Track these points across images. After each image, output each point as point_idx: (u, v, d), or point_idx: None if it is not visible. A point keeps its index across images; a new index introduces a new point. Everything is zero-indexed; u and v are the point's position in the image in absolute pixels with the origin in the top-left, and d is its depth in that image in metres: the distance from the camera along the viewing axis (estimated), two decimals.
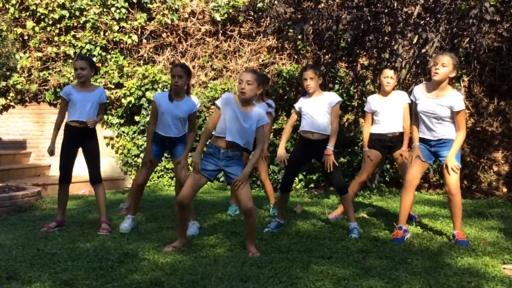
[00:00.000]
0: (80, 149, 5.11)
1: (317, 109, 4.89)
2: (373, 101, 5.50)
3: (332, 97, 4.95)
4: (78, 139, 5.05)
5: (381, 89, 5.52)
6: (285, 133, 5.20)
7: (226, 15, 8.82)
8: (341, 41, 8.22)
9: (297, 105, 5.08)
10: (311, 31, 7.78)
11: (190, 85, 4.98)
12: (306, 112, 4.94)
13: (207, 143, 4.26)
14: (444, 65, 4.42)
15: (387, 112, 5.41)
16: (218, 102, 4.18)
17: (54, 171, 7.62)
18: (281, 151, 5.08)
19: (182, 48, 9.06)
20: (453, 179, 4.51)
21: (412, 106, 4.78)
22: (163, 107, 4.84)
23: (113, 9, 8.78)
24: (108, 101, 8.71)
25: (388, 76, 5.40)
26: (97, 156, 5.16)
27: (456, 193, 4.53)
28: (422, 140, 4.65)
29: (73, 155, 5.13)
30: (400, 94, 5.52)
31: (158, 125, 4.89)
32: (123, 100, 8.48)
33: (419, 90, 4.64)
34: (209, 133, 4.24)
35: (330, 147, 4.84)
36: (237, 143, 4.09)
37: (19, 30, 8.96)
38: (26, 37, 9.05)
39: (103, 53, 8.85)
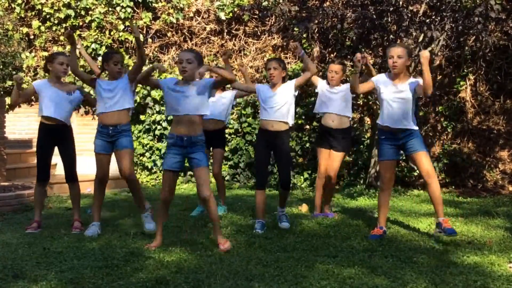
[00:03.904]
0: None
1: (278, 100, 4.92)
2: (322, 86, 5.65)
3: (291, 83, 5.00)
4: (54, 136, 5.04)
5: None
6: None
7: (231, 14, 8.82)
8: (346, 40, 8.20)
9: (259, 86, 5.11)
10: (316, 30, 7.77)
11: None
12: (266, 101, 4.96)
13: (168, 134, 4.36)
14: (400, 57, 4.54)
15: (332, 104, 5.57)
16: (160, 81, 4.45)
17: (60, 170, 7.62)
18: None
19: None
20: (426, 164, 4.54)
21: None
22: (100, 90, 4.83)
23: (118, 8, 8.80)
24: None
25: (333, 71, 5.58)
26: (73, 154, 5.15)
27: (434, 176, 4.55)
28: (389, 134, 4.63)
29: (50, 153, 5.10)
30: (346, 87, 5.62)
31: (101, 108, 4.81)
32: None
33: (382, 77, 4.71)
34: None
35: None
36: (188, 114, 4.18)
37: (25, 30, 8.99)
38: (31, 37, 9.08)
39: None
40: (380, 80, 4.71)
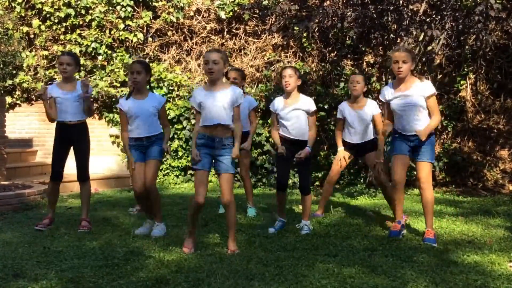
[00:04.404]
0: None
1: (295, 117, 4.87)
2: (344, 108, 5.58)
3: (309, 104, 4.90)
4: (70, 136, 5.06)
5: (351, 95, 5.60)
6: (275, 137, 5.07)
7: (231, 13, 8.82)
8: (347, 39, 8.20)
9: (273, 108, 5.01)
10: (316, 29, 7.77)
11: (149, 81, 4.92)
12: (284, 118, 4.90)
13: (198, 134, 4.26)
14: (405, 62, 4.52)
15: (356, 134, 5.52)
16: (191, 101, 4.38)
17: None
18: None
19: (188, 46, 9.07)
20: (424, 172, 4.54)
21: (383, 107, 4.92)
22: (129, 111, 4.71)
23: (118, 7, 8.81)
24: (114, 99, 8.73)
25: (354, 81, 5.47)
26: (87, 154, 5.16)
27: (428, 187, 4.55)
28: (402, 136, 4.65)
29: (65, 153, 5.13)
30: (370, 103, 5.52)
31: (131, 130, 4.74)
32: None
33: (388, 90, 4.69)
34: (197, 133, 4.25)
35: (309, 148, 4.85)
36: (221, 123, 4.11)
37: (25, 29, 8.99)
38: (32, 36, 9.08)
39: (109, 52, 8.88)
40: (386, 93, 4.69)
